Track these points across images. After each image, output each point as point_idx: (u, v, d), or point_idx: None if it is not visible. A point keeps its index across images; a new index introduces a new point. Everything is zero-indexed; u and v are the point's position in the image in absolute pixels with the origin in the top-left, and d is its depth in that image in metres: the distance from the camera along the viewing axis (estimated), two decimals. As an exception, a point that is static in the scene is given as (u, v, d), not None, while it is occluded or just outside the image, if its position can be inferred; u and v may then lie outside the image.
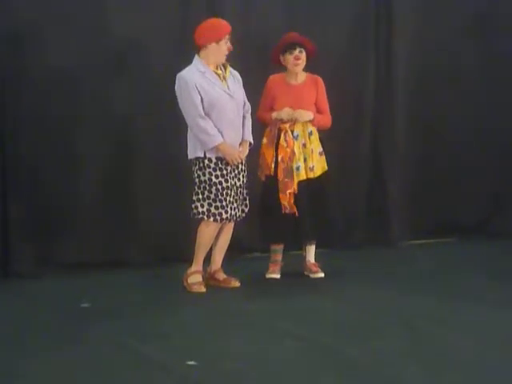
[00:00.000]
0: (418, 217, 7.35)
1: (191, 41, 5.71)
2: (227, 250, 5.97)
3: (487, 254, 6.89)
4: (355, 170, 7.22)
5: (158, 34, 6.42)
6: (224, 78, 5.71)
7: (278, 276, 6.07)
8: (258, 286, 5.90)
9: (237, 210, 5.74)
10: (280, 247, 6.12)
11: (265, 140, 5.96)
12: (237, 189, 5.72)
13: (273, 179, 5.90)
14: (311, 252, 6.15)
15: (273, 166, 5.89)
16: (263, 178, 5.98)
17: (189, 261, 5.83)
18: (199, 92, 5.56)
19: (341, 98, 6.88)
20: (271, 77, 6.07)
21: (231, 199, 5.67)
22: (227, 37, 5.65)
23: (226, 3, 6.70)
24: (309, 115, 5.92)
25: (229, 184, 5.65)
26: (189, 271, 5.75)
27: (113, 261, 6.36)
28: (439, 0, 7.33)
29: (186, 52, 5.93)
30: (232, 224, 5.83)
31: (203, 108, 5.57)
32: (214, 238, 5.77)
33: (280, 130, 5.90)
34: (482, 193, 7.53)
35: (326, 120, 6.06)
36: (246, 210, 5.88)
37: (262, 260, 6.27)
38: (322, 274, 6.08)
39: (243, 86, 5.83)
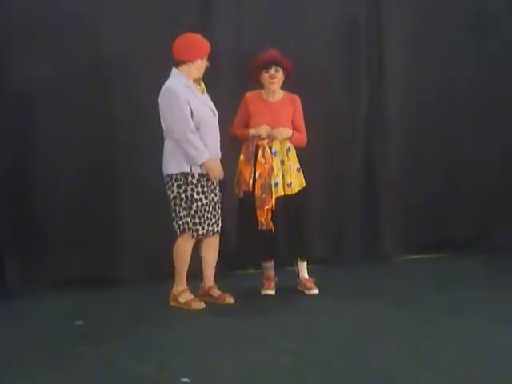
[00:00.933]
0: (411, 232, 7.35)
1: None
2: (221, 266, 5.94)
3: (480, 269, 6.88)
4: (348, 185, 7.21)
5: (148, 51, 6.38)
6: (202, 93, 5.70)
7: (273, 292, 6.04)
8: (252, 303, 5.86)
9: (214, 226, 5.70)
10: (270, 263, 6.08)
11: (242, 157, 5.93)
12: (215, 204, 5.69)
13: (250, 196, 5.87)
14: (304, 268, 6.12)
15: (251, 182, 5.86)
16: (241, 195, 5.96)
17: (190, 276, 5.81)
18: (189, 106, 5.53)
19: (333, 113, 6.93)
20: (248, 93, 6.05)
21: (209, 215, 5.64)
22: (208, 54, 5.67)
23: (221, 19, 6.69)
24: (288, 132, 5.90)
25: (208, 200, 5.63)
26: (175, 291, 5.69)
27: (104, 277, 6.31)
28: (430, 14, 7.34)
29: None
30: (217, 238, 5.80)
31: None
32: (190, 253, 5.71)
33: (258, 147, 5.88)
34: (475, 208, 7.53)
35: (303, 138, 6.04)
36: (220, 224, 5.83)
37: (256, 276, 6.24)
38: (316, 291, 6.05)
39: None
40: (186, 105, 5.52)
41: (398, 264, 7.20)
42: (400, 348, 4.63)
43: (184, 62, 5.60)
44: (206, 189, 5.62)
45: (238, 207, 6.04)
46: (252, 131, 5.88)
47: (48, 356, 4.61)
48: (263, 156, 5.86)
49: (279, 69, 5.90)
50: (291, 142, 5.94)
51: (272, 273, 6.09)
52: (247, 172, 5.88)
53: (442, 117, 7.42)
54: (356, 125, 7.22)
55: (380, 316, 5.39)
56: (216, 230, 5.73)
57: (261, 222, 5.85)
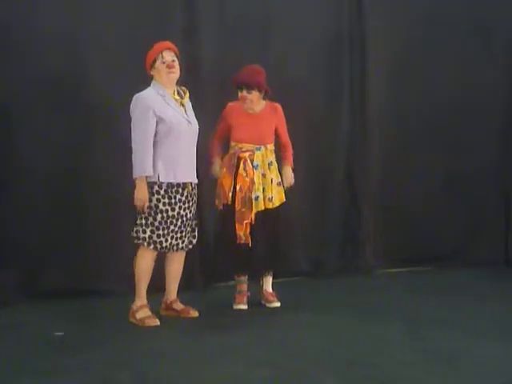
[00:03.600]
0: (392, 245, 7.36)
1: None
2: (203, 277, 5.90)
3: (462, 282, 6.91)
4: (330, 198, 7.23)
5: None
6: (182, 103, 5.63)
7: (245, 307, 5.97)
8: (228, 316, 5.81)
9: (179, 241, 5.59)
10: (244, 278, 6.03)
11: (223, 169, 5.90)
12: (186, 220, 5.59)
13: (230, 208, 5.82)
14: (268, 281, 6.08)
15: (230, 194, 5.81)
16: (220, 207, 5.92)
17: (162, 289, 5.77)
18: (156, 116, 5.43)
19: (315, 126, 6.95)
20: (229, 104, 5.99)
21: (175, 229, 5.54)
22: (161, 55, 5.52)
23: (204, 32, 6.72)
24: (292, 177, 5.94)
25: (175, 213, 5.51)
26: (134, 307, 5.57)
27: (84, 288, 6.29)
28: (414, 26, 7.39)
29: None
30: (183, 253, 5.72)
31: (158, 133, 5.44)
32: (152, 267, 5.58)
33: (239, 159, 5.84)
34: (456, 221, 7.56)
35: (288, 146, 6.05)
36: (194, 241, 5.74)
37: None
38: (278, 304, 6.01)
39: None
40: (153, 116, 5.41)
41: (380, 277, 7.20)
42: (381, 360, 4.62)
43: (150, 71, 5.57)
44: (173, 200, 5.50)
45: (218, 219, 6.01)
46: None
47: (28, 367, 4.57)
48: (244, 169, 5.81)
49: (251, 91, 5.82)
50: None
51: (245, 287, 6.03)
52: (227, 185, 5.83)
53: (424, 129, 7.46)
54: (337, 138, 7.25)
55: (361, 328, 5.37)
56: (181, 246, 5.62)
57: (239, 235, 5.79)
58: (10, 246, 6.21)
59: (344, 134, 7.27)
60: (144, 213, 5.47)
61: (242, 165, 5.82)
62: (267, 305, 6.03)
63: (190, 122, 5.60)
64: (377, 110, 7.35)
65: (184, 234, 5.61)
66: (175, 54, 5.60)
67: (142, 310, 5.55)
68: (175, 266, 5.74)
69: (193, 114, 5.69)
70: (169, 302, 5.78)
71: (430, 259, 7.43)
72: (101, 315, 5.82)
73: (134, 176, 5.44)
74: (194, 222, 5.72)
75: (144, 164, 5.40)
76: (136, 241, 5.54)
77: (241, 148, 5.85)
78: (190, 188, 5.61)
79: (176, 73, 5.58)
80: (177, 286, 5.79)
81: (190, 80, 6.63)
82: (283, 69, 6.85)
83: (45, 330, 5.37)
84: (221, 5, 6.83)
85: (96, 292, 6.30)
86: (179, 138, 5.51)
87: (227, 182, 5.84)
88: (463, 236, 7.59)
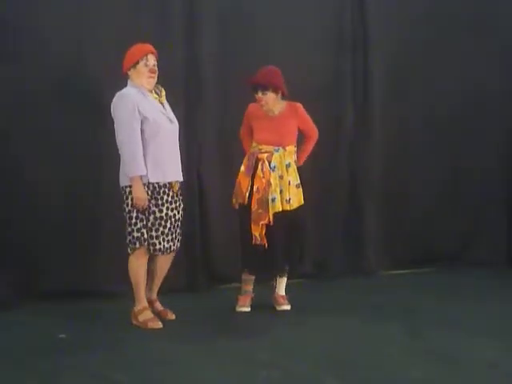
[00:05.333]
0: (396, 247, 7.35)
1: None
2: (205, 279, 5.86)
3: (465, 283, 6.91)
4: (332, 199, 7.20)
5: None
6: (160, 102, 5.59)
7: (248, 309, 5.96)
8: (231, 318, 5.81)
9: (171, 243, 5.57)
10: (251, 277, 6.01)
11: (242, 168, 5.88)
12: (175, 221, 5.57)
13: (246, 208, 5.82)
14: (282, 284, 6.07)
15: (247, 195, 5.80)
16: (236, 207, 5.91)
17: (164, 290, 5.79)
18: (141, 115, 5.38)
19: (318, 127, 6.92)
20: (250, 105, 5.97)
21: (166, 231, 5.51)
22: (146, 58, 5.50)
23: (205, 33, 6.71)
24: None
25: (163, 214, 5.48)
26: (135, 310, 5.56)
27: (88, 290, 6.28)
28: (417, 26, 7.36)
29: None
30: (171, 256, 5.69)
31: (143, 132, 5.39)
32: (146, 269, 5.57)
33: (258, 160, 5.83)
34: (459, 222, 7.55)
35: (313, 138, 6.05)
36: (178, 244, 5.70)
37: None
38: (288, 307, 6.00)
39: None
40: (135, 112, 5.36)
41: (383, 278, 7.20)
42: (384, 361, 4.63)
43: (128, 71, 5.52)
44: (160, 202, 5.47)
45: (238, 218, 5.97)
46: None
47: (29, 367, 4.59)
48: (262, 170, 5.79)
49: (266, 92, 5.81)
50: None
51: (250, 287, 6.01)
52: (244, 185, 5.82)
53: (428, 129, 7.45)
54: (340, 138, 7.22)
55: (365, 329, 5.38)
56: (173, 248, 5.60)
57: (255, 236, 5.76)
58: (12, 247, 6.19)
59: (346, 134, 7.25)
60: (143, 214, 5.44)
61: (260, 166, 5.80)
62: (277, 307, 6.01)
63: (171, 121, 5.57)
64: (379, 110, 7.34)
65: (174, 235, 5.59)
66: (156, 58, 5.60)
67: (144, 313, 5.55)
68: (162, 267, 5.71)
69: (171, 112, 5.65)
70: (149, 301, 5.72)
71: (433, 260, 7.42)
72: (102, 316, 5.83)
73: (129, 176, 5.39)
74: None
75: (138, 163, 5.36)
76: (130, 246, 5.48)
77: (260, 149, 5.84)
78: (177, 187, 5.59)
79: (155, 78, 5.57)
80: (159, 285, 5.77)
81: (191, 79, 6.67)
82: (285, 69, 6.80)
83: (46, 331, 5.40)
84: (221, 4, 6.80)
85: (98, 293, 6.28)
86: (164, 136, 5.48)
87: (245, 182, 5.82)
88: (465, 237, 7.58)
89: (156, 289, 5.78)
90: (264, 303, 6.01)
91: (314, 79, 7.04)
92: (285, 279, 6.07)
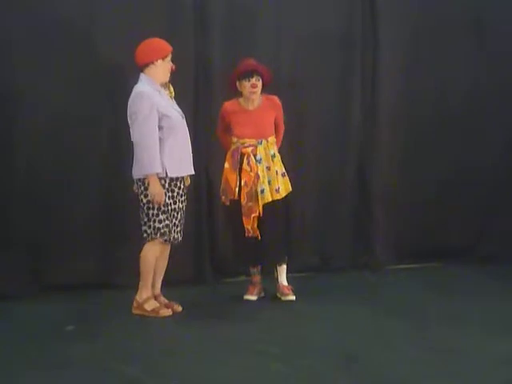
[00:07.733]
0: (403, 241, 7.33)
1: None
2: (212, 273, 5.87)
3: (472, 278, 6.85)
4: (341, 194, 7.21)
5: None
6: (171, 98, 5.69)
7: (254, 298, 6.06)
8: (238, 309, 5.86)
9: (179, 234, 5.68)
10: (257, 269, 6.10)
11: (227, 165, 5.95)
12: (182, 213, 5.68)
13: (237, 203, 5.89)
14: (283, 274, 6.11)
15: (236, 190, 5.87)
16: (227, 203, 5.97)
17: (172, 282, 5.83)
18: (159, 112, 5.48)
19: (326, 124, 6.94)
20: (226, 103, 6.06)
21: (176, 222, 5.63)
22: (170, 57, 5.61)
23: (214, 31, 6.74)
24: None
25: (176, 206, 5.60)
26: (139, 299, 5.62)
27: (97, 283, 6.33)
28: (425, 26, 7.35)
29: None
30: (168, 248, 5.75)
31: (162, 129, 5.49)
32: (156, 259, 5.66)
33: (242, 155, 5.90)
34: (469, 218, 7.51)
35: (283, 129, 6.13)
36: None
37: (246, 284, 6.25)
38: (293, 297, 6.04)
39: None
40: (154, 111, 5.46)
41: (390, 273, 7.18)
42: (390, 355, 4.62)
43: (146, 65, 5.57)
44: (175, 193, 5.58)
45: (225, 214, 6.10)
46: None
47: (34, 359, 4.63)
48: (248, 164, 5.87)
49: (259, 78, 5.92)
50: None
51: (258, 278, 6.11)
52: (233, 180, 5.88)
53: (435, 129, 7.41)
54: (349, 135, 7.22)
55: (371, 324, 5.39)
56: (179, 238, 5.70)
57: (247, 229, 5.86)
58: (24, 239, 6.27)
59: (355, 130, 7.24)
60: (160, 208, 5.50)
61: (245, 160, 5.88)
62: (282, 298, 6.06)
63: (183, 117, 5.66)
64: (388, 107, 7.32)
65: (181, 227, 5.69)
66: None
67: (149, 302, 5.61)
68: (163, 261, 5.77)
69: (179, 108, 5.72)
70: (153, 296, 5.76)
71: (441, 255, 7.38)
72: (109, 308, 5.88)
73: (146, 173, 5.47)
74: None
75: (155, 161, 5.46)
76: (151, 236, 5.55)
77: (243, 143, 5.91)
78: (189, 180, 5.71)
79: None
80: (161, 280, 5.81)
81: (200, 77, 6.69)
82: (294, 67, 6.86)
83: (56, 324, 5.42)
84: (231, 3, 6.83)
85: (104, 285, 6.34)
86: (178, 131, 5.58)
87: (232, 178, 5.89)
88: (475, 232, 7.54)
89: (158, 285, 5.82)
90: (274, 294, 6.08)
91: (323, 77, 7.04)
92: (284, 267, 6.10)
